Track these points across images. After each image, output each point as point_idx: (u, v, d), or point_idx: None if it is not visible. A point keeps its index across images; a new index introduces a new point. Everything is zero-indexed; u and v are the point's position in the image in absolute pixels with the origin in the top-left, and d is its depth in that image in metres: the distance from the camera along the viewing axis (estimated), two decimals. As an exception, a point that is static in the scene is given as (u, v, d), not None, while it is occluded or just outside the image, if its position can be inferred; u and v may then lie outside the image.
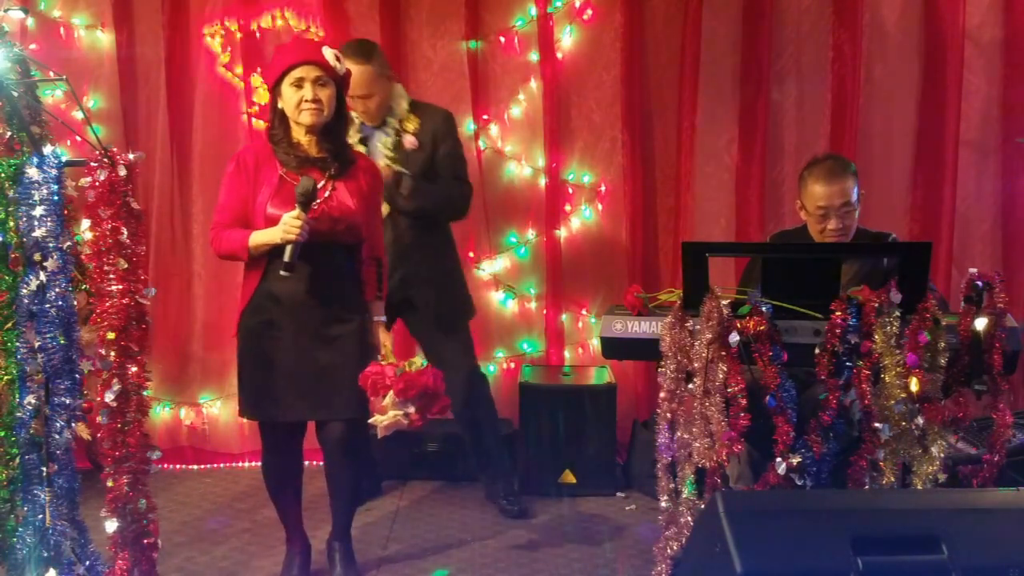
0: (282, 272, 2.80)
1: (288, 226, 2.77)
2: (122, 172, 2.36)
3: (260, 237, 2.85)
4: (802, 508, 2.04)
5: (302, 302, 2.91)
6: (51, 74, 3.52)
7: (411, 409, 2.80)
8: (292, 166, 2.91)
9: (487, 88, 4.27)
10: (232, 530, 3.63)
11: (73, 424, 2.31)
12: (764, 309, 2.49)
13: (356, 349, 2.97)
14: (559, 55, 4.26)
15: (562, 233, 4.35)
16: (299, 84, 2.87)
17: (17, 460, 2.36)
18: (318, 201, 2.87)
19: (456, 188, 3.67)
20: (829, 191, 3.13)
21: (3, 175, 2.35)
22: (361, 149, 3.50)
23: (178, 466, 4.34)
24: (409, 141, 3.55)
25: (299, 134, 2.94)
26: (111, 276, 2.38)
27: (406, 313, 3.69)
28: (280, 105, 2.92)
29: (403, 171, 3.51)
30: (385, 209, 3.44)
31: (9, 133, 3.13)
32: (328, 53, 2.91)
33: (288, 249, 2.78)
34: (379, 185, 3.06)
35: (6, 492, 2.41)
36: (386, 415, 2.81)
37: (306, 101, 2.86)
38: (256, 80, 4.24)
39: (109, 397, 2.38)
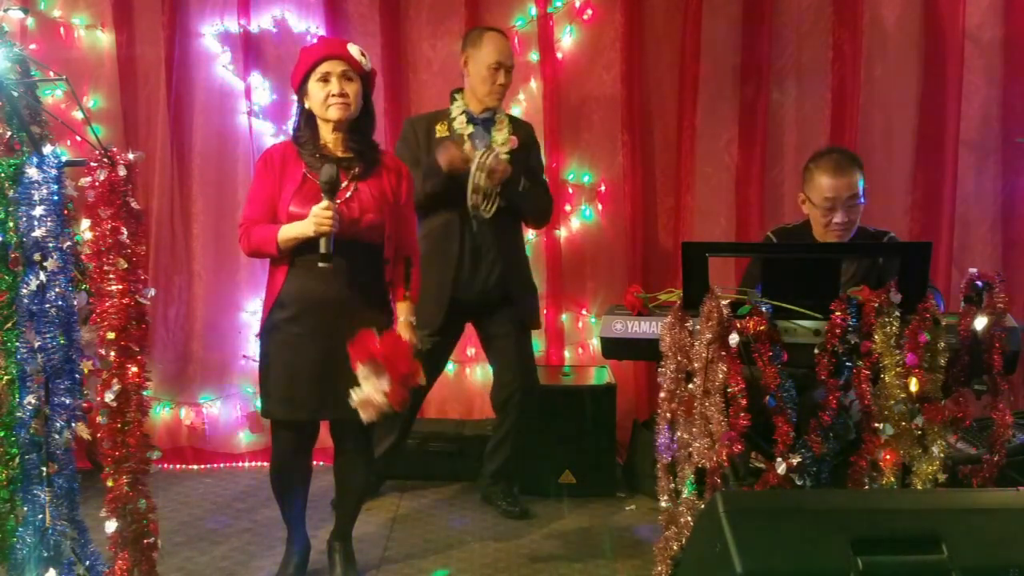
0: (320, 264, 2.79)
1: (319, 218, 2.77)
2: (122, 172, 2.35)
3: (290, 231, 2.83)
4: (802, 508, 2.03)
5: (325, 301, 2.88)
6: (51, 74, 3.52)
7: (385, 386, 2.72)
8: (316, 167, 2.88)
9: (487, 88, 4.26)
10: (232, 530, 3.63)
11: (73, 424, 2.31)
12: (764, 309, 2.48)
13: None
14: (559, 55, 4.27)
15: (562, 233, 4.36)
16: (326, 79, 2.87)
17: (17, 460, 2.36)
18: (344, 187, 2.87)
19: (549, 196, 3.82)
20: (837, 183, 3.11)
21: (3, 175, 2.35)
22: (466, 140, 3.58)
23: (178, 466, 4.35)
24: (512, 140, 3.65)
25: (326, 133, 2.93)
26: (111, 276, 2.37)
27: (490, 311, 3.71)
28: (307, 105, 2.92)
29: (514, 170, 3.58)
30: (493, 207, 3.53)
31: (9, 133, 3.13)
32: (354, 49, 2.91)
33: (323, 241, 2.77)
34: (407, 185, 3.04)
35: (6, 492, 2.41)
36: (361, 389, 2.74)
37: (333, 95, 2.86)
38: (256, 80, 4.24)
39: (109, 397, 2.38)
